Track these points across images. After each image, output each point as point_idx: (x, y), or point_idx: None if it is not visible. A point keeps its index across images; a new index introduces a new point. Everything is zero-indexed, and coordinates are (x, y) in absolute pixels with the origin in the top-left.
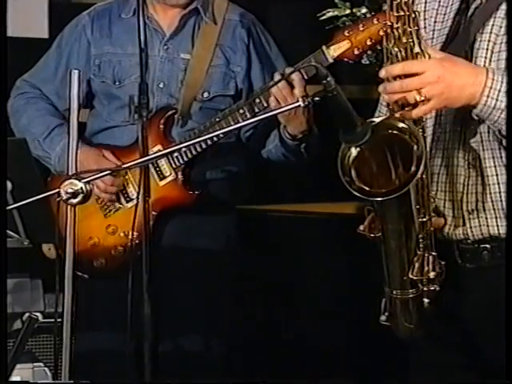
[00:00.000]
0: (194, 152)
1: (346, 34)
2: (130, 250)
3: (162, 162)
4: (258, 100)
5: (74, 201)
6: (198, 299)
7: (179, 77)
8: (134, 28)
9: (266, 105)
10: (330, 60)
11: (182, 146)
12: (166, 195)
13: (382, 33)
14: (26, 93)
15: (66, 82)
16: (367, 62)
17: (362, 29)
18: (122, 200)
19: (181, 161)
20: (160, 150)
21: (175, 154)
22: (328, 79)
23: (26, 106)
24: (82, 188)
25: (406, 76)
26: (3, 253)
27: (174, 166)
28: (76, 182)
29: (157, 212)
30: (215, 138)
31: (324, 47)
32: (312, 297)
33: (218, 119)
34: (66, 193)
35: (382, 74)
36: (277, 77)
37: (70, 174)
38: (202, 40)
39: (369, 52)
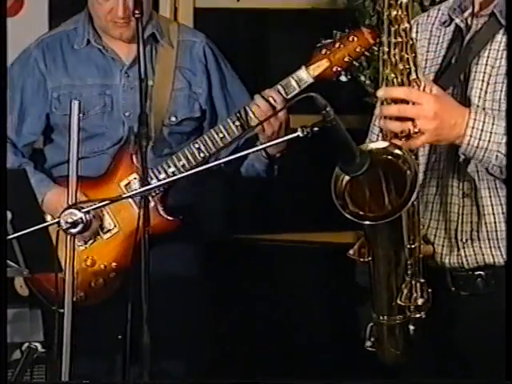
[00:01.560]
0: (172, 178)
1: (324, 52)
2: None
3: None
4: (237, 122)
5: (74, 230)
6: (177, 325)
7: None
8: (90, 58)
9: (245, 127)
10: (311, 80)
11: (171, 179)
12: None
13: (358, 50)
14: None
15: (22, 118)
16: (345, 80)
17: (339, 47)
18: (100, 232)
19: (160, 188)
20: (135, 179)
21: (153, 181)
22: (327, 109)
23: None
24: (81, 218)
25: (403, 102)
26: (3, 284)
27: (153, 193)
28: (76, 211)
29: (138, 241)
30: (193, 163)
31: (303, 67)
32: (298, 322)
33: (196, 145)
34: (66, 222)
35: (380, 93)
36: (257, 97)
37: (69, 203)
38: (162, 64)
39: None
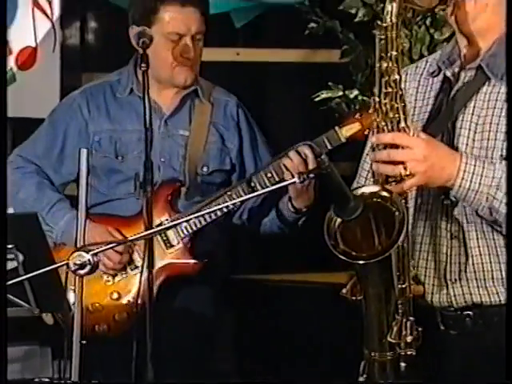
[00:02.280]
0: (202, 223)
1: (357, 117)
2: (134, 316)
3: (170, 231)
4: (269, 174)
5: (82, 272)
6: (195, 363)
7: (180, 152)
8: (131, 106)
9: (277, 178)
10: (343, 139)
11: (188, 218)
12: (173, 263)
13: None
14: (22, 167)
15: (62, 158)
16: None
17: (370, 113)
18: (127, 268)
19: (189, 230)
20: (167, 221)
21: (183, 225)
22: (322, 157)
23: (22, 180)
24: (89, 260)
25: (394, 147)
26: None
27: (181, 235)
28: (84, 253)
29: (163, 279)
30: (224, 210)
31: (337, 128)
32: (298, 357)
33: (229, 193)
34: (75, 264)
35: (373, 140)
36: (292, 153)
37: (78, 246)
38: (198, 118)
39: None
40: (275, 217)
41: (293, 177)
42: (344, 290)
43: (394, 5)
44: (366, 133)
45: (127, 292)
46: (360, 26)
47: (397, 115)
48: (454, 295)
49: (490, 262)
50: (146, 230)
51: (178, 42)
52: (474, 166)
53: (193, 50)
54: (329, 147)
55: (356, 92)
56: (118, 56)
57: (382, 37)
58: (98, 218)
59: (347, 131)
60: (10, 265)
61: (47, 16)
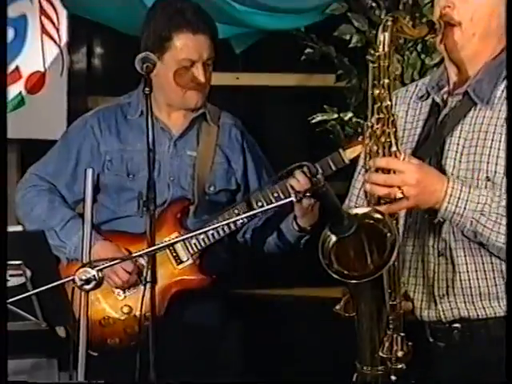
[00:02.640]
0: (211, 239)
1: (361, 140)
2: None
3: (179, 248)
4: (276, 194)
5: (88, 287)
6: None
7: (188, 171)
8: (141, 127)
9: (283, 197)
10: (347, 161)
11: (194, 233)
12: (183, 278)
13: None
14: (37, 185)
15: (75, 176)
16: None
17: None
18: (139, 283)
19: (198, 247)
20: (177, 237)
21: (193, 241)
22: (318, 177)
23: (37, 198)
24: (94, 275)
25: (387, 171)
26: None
27: (191, 251)
28: (89, 269)
29: (173, 293)
30: (231, 226)
31: (341, 150)
32: (296, 368)
33: (236, 211)
34: (81, 280)
35: (370, 164)
36: (298, 173)
37: (84, 262)
38: (205, 140)
39: None
40: (278, 236)
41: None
42: (337, 307)
43: (386, 35)
44: None
45: (138, 306)
46: (354, 52)
47: (388, 140)
48: (443, 310)
49: (477, 278)
50: (150, 246)
51: (190, 67)
52: (460, 190)
53: (204, 76)
54: (333, 168)
55: (350, 114)
56: (122, 80)
57: (375, 65)
58: (109, 235)
59: (351, 153)
60: (18, 280)
61: (55, 42)
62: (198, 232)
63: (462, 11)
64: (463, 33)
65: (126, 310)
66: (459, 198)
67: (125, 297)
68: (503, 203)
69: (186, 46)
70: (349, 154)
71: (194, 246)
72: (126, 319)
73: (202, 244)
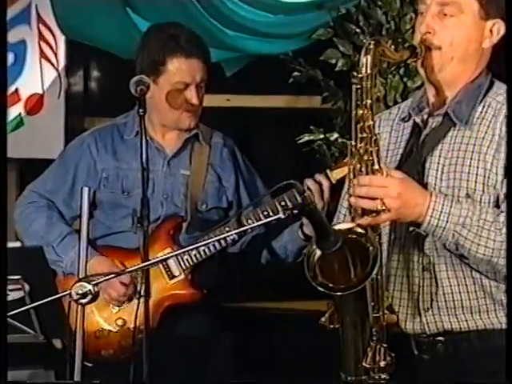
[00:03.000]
0: (202, 255)
1: (347, 161)
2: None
3: (172, 263)
4: (265, 212)
5: (84, 301)
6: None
7: (181, 190)
8: (136, 147)
9: (272, 214)
10: (333, 181)
11: (188, 248)
12: (175, 293)
13: None
14: (35, 202)
15: (72, 193)
16: None
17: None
18: (133, 296)
19: (190, 262)
20: (169, 252)
21: (185, 257)
22: (305, 194)
23: (36, 214)
24: (90, 290)
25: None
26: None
27: (183, 266)
28: (85, 284)
29: (166, 306)
30: (222, 243)
31: (328, 171)
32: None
33: (227, 228)
34: (77, 294)
35: (354, 182)
36: (309, 182)
37: (80, 277)
38: (198, 159)
39: None
40: (283, 244)
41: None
42: (323, 319)
43: (369, 57)
44: None
45: (131, 319)
46: (339, 75)
47: (371, 158)
48: (427, 323)
49: (459, 292)
50: (143, 261)
51: (184, 90)
52: (442, 204)
53: (197, 98)
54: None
55: (336, 135)
56: (117, 102)
57: (358, 86)
58: (105, 250)
59: (337, 174)
60: (17, 294)
61: (53, 66)
62: (190, 248)
63: (442, 36)
64: (442, 56)
65: (120, 322)
66: (441, 212)
67: (119, 310)
68: (483, 216)
69: (179, 69)
70: (335, 174)
71: (186, 261)
72: (119, 332)
73: (194, 259)
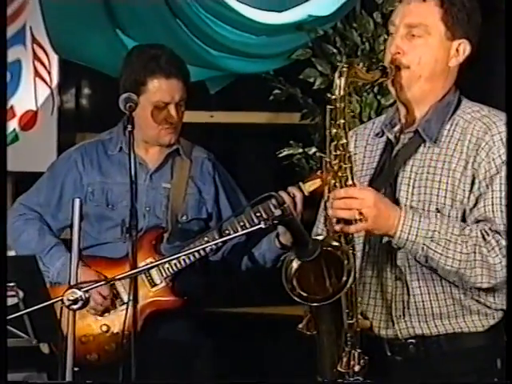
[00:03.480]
0: (182, 264)
1: (319, 174)
2: (121, 347)
3: (154, 272)
4: (242, 223)
5: (75, 307)
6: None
7: (163, 202)
8: (120, 162)
9: (248, 226)
10: (306, 193)
11: (169, 258)
12: (157, 300)
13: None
14: (24, 214)
15: (59, 206)
16: None
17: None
18: (116, 304)
19: (171, 271)
20: (152, 262)
21: (166, 266)
22: (285, 205)
23: (25, 226)
24: (81, 296)
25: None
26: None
27: (164, 275)
28: (76, 290)
29: (148, 313)
30: (201, 252)
31: (301, 183)
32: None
33: (206, 238)
34: (68, 300)
35: (331, 196)
36: (282, 194)
37: (71, 284)
38: (178, 173)
39: None
40: (259, 254)
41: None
42: (300, 325)
43: (342, 80)
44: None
45: (115, 325)
46: (317, 93)
47: (345, 174)
48: (399, 329)
49: (430, 300)
50: (132, 268)
51: (164, 108)
52: (412, 219)
53: (176, 116)
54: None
55: (314, 149)
56: (107, 118)
57: (332, 107)
58: (90, 260)
59: (310, 186)
60: (12, 301)
61: (47, 84)
62: (174, 257)
63: (410, 56)
64: (411, 75)
65: (104, 328)
66: (411, 227)
67: (103, 317)
68: (450, 230)
69: (159, 89)
70: (308, 186)
71: (167, 270)
72: (104, 337)
73: (175, 268)
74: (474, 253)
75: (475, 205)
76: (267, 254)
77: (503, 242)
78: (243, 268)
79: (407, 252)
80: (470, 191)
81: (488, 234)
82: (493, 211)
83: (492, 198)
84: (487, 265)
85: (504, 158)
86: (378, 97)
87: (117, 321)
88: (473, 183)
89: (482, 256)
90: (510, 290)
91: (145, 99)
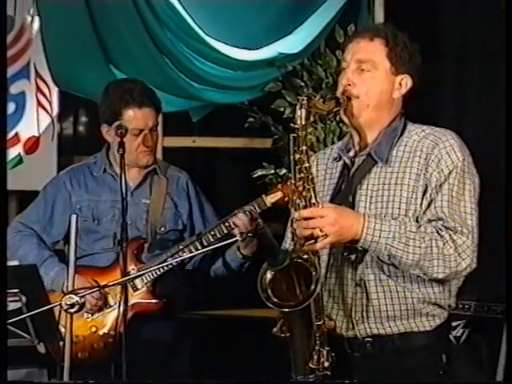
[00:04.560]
0: (161, 270)
1: (279, 187)
2: (109, 345)
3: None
4: (213, 234)
5: (72, 310)
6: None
7: (143, 216)
8: (104, 182)
9: (219, 236)
10: (268, 205)
11: (154, 267)
12: (139, 303)
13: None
14: (21, 231)
15: (51, 223)
16: None
17: (289, 184)
18: (103, 307)
19: (151, 276)
20: (133, 270)
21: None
22: (258, 220)
23: (21, 241)
24: (77, 300)
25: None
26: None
27: (145, 280)
28: (73, 296)
29: (131, 315)
30: (179, 261)
31: (263, 196)
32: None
33: (181, 247)
34: (66, 304)
35: (296, 215)
36: (238, 212)
37: (68, 290)
38: (157, 189)
39: None
40: (222, 264)
41: (237, 235)
42: (275, 329)
43: (303, 111)
44: (286, 199)
45: (103, 326)
46: (287, 121)
47: (309, 194)
48: (359, 330)
49: (386, 304)
50: (123, 276)
51: (139, 134)
52: (374, 223)
53: (151, 141)
54: (258, 211)
55: (284, 170)
56: (100, 143)
57: (295, 135)
58: (81, 269)
59: (271, 198)
60: (16, 305)
61: (48, 113)
62: (158, 266)
63: (359, 88)
64: (360, 104)
65: (93, 329)
66: (374, 229)
67: (92, 319)
68: (408, 228)
69: (134, 118)
70: (270, 199)
71: (147, 276)
72: (93, 337)
73: (154, 274)
74: (431, 246)
75: (427, 208)
76: (232, 263)
77: (454, 237)
78: (212, 275)
79: (371, 253)
80: (423, 198)
81: (442, 230)
82: (443, 212)
83: (441, 200)
84: (443, 256)
85: (451, 167)
86: (340, 124)
87: (104, 322)
88: (425, 192)
89: (439, 249)
90: (509, 289)
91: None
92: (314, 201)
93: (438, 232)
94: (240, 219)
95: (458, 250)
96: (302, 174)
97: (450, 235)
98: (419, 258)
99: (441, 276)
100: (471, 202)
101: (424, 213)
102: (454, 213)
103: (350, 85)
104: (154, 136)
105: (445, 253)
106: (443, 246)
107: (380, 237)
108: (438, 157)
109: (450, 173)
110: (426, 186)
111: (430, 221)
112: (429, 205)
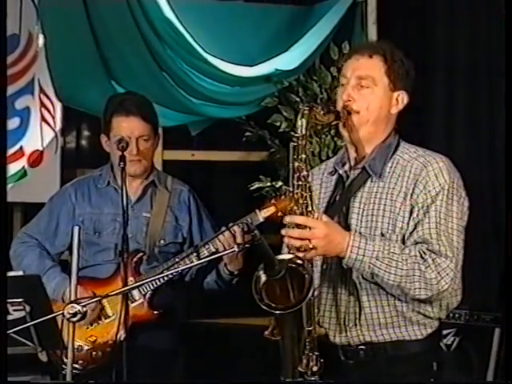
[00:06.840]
0: (158, 282)
1: (273, 201)
2: (108, 354)
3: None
4: (207, 246)
5: (74, 319)
6: None
7: (143, 229)
8: (107, 195)
9: (213, 250)
10: (261, 219)
11: (150, 279)
12: (136, 313)
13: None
14: (26, 242)
15: (56, 234)
16: None
17: (283, 199)
18: (102, 318)
19: (148, 289)
20: (132, 281)
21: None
22: (255, 232)
23: (26, 251)
24: (79, 310)
25: (302, 227)
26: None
27: (142, 292)
28: (75, 305)
29: (129, 325)
30: (175, 274)
31: (257, 210)
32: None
33: (177, 260)
34: (69, 313)
35: (287, 219)
36: (223, 229)
37: (70, 300)
38: (158, 203)
39: None
40: (215, 277)
41: (233, 246)
42: (266, 332)
43: (304, 120)
44: (279, 214)
45: (101, 336)
46: (283, 135)
47: (305, 201)
48: (351, 337)
49: (377, 312)
50: (124, 285)
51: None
52: (359, 242)
53: (136, 149)
54: (252, 226)
55: (280, 183)
56: (103, 157)
57: (295, 144)
58: (82, 280)
59: (265, 213)
60: (20, 314)
61: (51, 127)
62: (155, 278)
63: (360, 103)
64: (360, 119)
65: (92, 339)
66: (359, 248)
67: (91, 329)
68: (392, 250)
69: (119, 126)
70: (263, 213)
71: (144, 287)
72: (92, 346)
73: (151, 286)
74: (413, 269)
75: (414, 229)
76: (219, 280)
77: (438, 260)
78: (205, 287)
79: (355, 270)
80: (409, 218)
81: (425, 254)
82: (430, 234)
83: (429, 223)
84: (424, 279)
85: (438, 189)
86: (335, 138)
87: (102, 332)
88: (411, 212)
89: (421, 272)
90: (509, 292)
91: (112, 136)
92: (310, 208)
93: (421, 255)
94: (224, 236)
95: (440, 274)
96: (300, 182)
97: (433, 259)
98: (400, 279)
99: (422, 297)
100: (458, 225)
101: (411, 233)
102: (441, 234)
103: (350, 100)
104: (143, 146)
105: (426, 276)
106: (425, 270)
107: (364, 255)
108: (425, 179)
109: (437, 194)
110: (413, 207)
111: (416, 242)
112: (415, 226)
